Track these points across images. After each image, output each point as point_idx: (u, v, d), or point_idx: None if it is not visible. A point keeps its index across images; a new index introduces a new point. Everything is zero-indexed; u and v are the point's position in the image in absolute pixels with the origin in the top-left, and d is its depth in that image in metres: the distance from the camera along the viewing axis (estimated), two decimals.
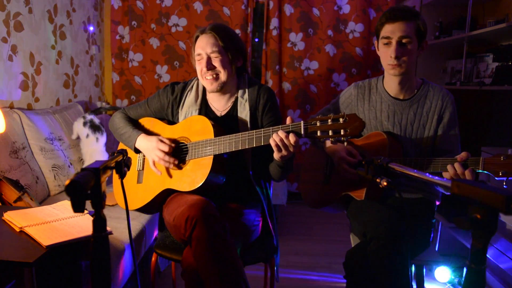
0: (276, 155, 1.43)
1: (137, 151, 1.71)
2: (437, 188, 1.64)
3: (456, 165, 1.41)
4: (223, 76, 1.60)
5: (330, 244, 2.94)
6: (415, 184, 1.70)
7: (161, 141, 1.62)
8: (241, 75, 1.71)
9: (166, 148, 1.60)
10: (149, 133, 1.75)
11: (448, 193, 1.57)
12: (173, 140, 1.66)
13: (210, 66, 1.60)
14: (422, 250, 1.66)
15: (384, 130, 1.70)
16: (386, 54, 1.60)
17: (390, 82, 1.69)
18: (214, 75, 1.60)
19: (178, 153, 1.65)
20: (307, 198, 1.91)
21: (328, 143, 1.74)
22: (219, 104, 1.70)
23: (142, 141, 1.67)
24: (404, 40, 1.55)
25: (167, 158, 1.60)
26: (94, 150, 2.54)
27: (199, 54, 1.62)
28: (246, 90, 1.67)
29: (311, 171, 1.93)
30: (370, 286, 1.43)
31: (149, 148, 1.64)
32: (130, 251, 1.79)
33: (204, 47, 1.60)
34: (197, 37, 1.63)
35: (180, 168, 1.62)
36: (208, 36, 1.60)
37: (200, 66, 1.62)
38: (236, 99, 1.68)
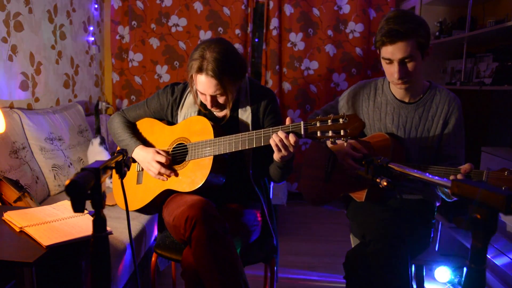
0: (276, 156, 1.43)
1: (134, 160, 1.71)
2: (439, 193, 1.64)
3: (459, 176, 1.41)
4: (229, 105, 1.59)
5: (330, 244, 2.94)
6: (415, 185, 1.69)
7: (158, 152, 1.62)
8: None
9: (163, 159, 1.59)
10: (148, 134, 1.75)
11: (450, 200, 1.57)
12: (172, 142, 1.66)
13: (215, 104, 1.58)
14: (422, 250, 1.66)
15: (387, 132, 1.68)
16: (389, 72, 1.57)
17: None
18: (220, 107, 1.60)
19: (178, 153, 1.65)
20: (307, 194, 1.89)
21: (329, 143, 1.73)
22: None
23: (139, 153, 1.66)
24: (406, 60, 1.51)
25: (163, 170, 1.59)
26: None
27: (202, 93, 1.57)
28: (247, 93, 1.66)
29: (313, 167, 1.91)
30: (370, 287, 1.43)
31: (146, 160, 1.63)
32: (130, 251, 1.79)
33: (206, 90, 1.53)
34: (197, 72, 1.51)
35: (180, 169, 1.62)
36: (209, 79, 1.49)
37: (203, 100, 1.60)
38: (237, 101, 1.67)
